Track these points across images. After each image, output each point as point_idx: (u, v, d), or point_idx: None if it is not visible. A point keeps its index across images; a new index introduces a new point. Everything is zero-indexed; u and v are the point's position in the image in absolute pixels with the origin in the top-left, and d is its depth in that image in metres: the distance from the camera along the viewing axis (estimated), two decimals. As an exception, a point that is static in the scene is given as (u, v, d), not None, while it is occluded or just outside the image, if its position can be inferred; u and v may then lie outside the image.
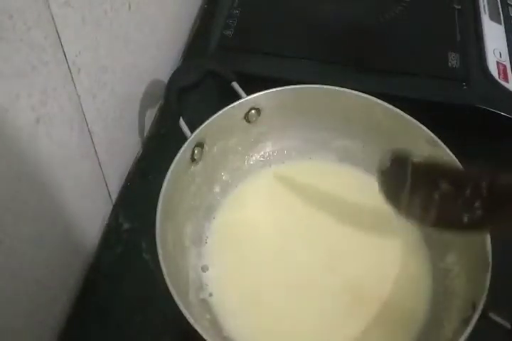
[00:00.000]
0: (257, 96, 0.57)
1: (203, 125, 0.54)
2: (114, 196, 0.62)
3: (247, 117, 0.58)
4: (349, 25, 0.71)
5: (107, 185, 0.59)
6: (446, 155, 0.53)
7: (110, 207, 0.62)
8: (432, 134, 0.54)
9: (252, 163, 0.62)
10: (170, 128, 0.58)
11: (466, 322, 0.44)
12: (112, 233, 0.60)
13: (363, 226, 0.59)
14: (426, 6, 0.74)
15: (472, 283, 0.48)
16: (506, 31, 0.71)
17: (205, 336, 0.42)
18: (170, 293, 0.44)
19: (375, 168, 0.60)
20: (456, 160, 0.52)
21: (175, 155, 0.51)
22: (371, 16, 0.72)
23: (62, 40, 0.43)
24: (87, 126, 0.51)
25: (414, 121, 0.55)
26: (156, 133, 0.68)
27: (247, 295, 0.55)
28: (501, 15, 0.73)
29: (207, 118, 0.54)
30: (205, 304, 0.53)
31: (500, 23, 0.72)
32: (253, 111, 0.58)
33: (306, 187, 0.62)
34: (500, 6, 0.74)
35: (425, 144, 0.54)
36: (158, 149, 0.66)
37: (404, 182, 0.45)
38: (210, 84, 0.62)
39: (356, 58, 0.68)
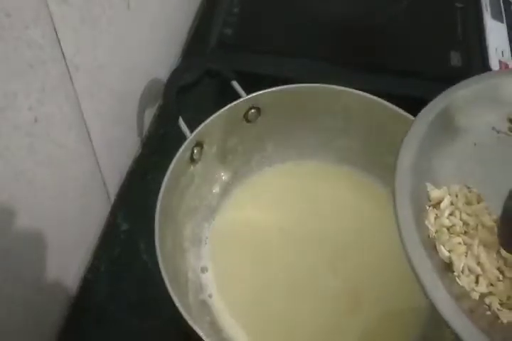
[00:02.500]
0: (257, 96, 0.56)
1: (203, 124, 0.53)
2: (113, 196, 0.62)
3: (247, 117, 0.58)
4: (350, 24, 0.71)
5: (105, 185, 0.59)
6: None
7: (109, 208, 0.61)
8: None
9: (252, 163, 0.62)
10: (169, 127, 0.58)
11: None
12: (110, 233, 0.60)
13: (363, 226, 0.59)
14: (428, 5, 0.73)
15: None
16: (508, 29, 0.71)
17: (204, 337, 0.42)
18: (169, 294, 0.44)
19: (375, 168, 0.60)
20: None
21: (174, 155, 0.51)
22: (372, 15, 0.72)
23: (60, 39, 0.42)
24: (86, 125, 0.51)
25: (416, 120, 0.54)
26: (155, 133, 0.68)
27: (246, 297, 0.54)
28: (503, 13, 0.73)
29: (206, 117, 0.54)
30: (205, 305, 0.53)
31: (503, 22, 0.72)
32: (253, 111, 0.57)
33: (306, 187, 0.61)
34: (502, 4, 0.74)
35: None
36: (158, 149, 0.66)
37: None
38: (210, 83, 0.61)
39: (357, 57, 0.68)
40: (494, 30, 0.70)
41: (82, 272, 0.57)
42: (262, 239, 0.58)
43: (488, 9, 0.73)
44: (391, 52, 0.69)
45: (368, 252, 0.57)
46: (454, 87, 0.43)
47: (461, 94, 0.42)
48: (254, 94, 0.56)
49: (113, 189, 0.62)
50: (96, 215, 0.59)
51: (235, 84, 0.57)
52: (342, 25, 0.71)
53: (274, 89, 0.56)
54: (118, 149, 0.61)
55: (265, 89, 0.56)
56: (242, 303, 0.54)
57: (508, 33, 0.71)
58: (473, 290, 0.35)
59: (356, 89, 0.56)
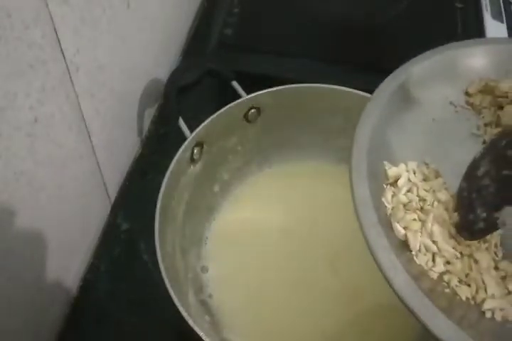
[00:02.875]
0: (257, 96, 0.56)
1: (203, 125, 0.53)
2: (113, 196, 0.62)
3: (247, 117, 0.58)
4: (350, 25, 0.71)
5: (105, 185, 0.59)
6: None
7: (109, 207, 0.61)
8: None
9: (252, 162, 0.62)
10: (169, 127, 0.58)
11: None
12: (110, 233, 0.60)
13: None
14: (428, 5, 0.73)
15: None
16: (508, 30, 0.71)
17: (204, 337, 0.42)
18: (169, 294, 0.44)
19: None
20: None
21: (174, 155, 0.51)
22: (372, 15, 0.72)
23: (60, 39, 0.42)
24: (86, 125, 0.51)
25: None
26: (155, 133, 0.68)
27: (246, 296, 0.54)
28: (503, 13, 0.73)
29: (206, 117, 0.54)
30: (205, 305, 0.53)
31: (503, 22, 0.72)
32: (253, 111, 0.57)
33: (306, 187, 0.61)
34: (502, 4, 0.74)
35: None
36: (158, 149, 0.66)
37: None
38: (210, 83, 0.61)
39: (357, 57, 0.68)
40: (494, 30, 0.70)
41: (82, 272, 0.57)
42: (262, 238, 0.58)
43: (488, 9, 0.73)
44: (391, 52, 0.69)
45: (368, 252, 0.57)
46: (409, 62, 0.42)
47: (417, 69, 0.41)
48: (254, 94, 0.56)
49: (113, 189, 0.62)
50: (96, 215, 0.59)
51: (235, 84, 0.57)
52: (342, 25, 0.71)
53: (274, 89, 0.56)
54: (118, 149, 0.61)
55: (265, 89, 0.56)
56: (241, 303, 0.54)
57: (508, 33, 0.71)
58: (431, 269, 0.35)
59: (356, 89, 0.56)
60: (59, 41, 0.42)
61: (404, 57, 0.67)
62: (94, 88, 0.51)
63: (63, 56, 0.44)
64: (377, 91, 0.40)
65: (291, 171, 0.63)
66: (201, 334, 0.42)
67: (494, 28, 0.71)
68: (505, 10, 0.74)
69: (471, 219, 0.35)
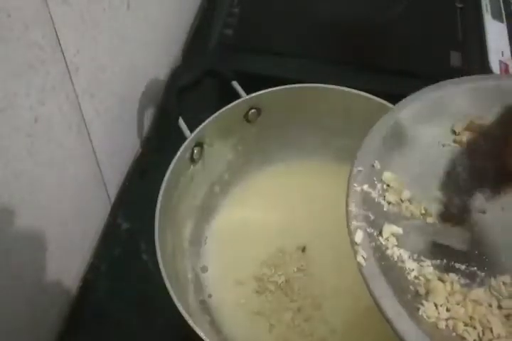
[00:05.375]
0: (257, 96, 0.56)
1: (203, 125, 0.53)
2: (113, 196, 0.62)
3: (247, 116, 0.58)
4: (350, 24, 0.71)
5: (105, 184, 0.59)
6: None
7: (109, 207, 0.61)
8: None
9: (252, 162, 0.62)
10: (169, 127, 0.58)
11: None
12: (110, 233, 0.60)
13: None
14: (428, 5, 0.73)
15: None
16: (508, 30, 0.71)
17: (204, 337, 0.42)
18: (169, 294, 0.44)
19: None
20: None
21: (174, 155, 0.51)
22: (372, 15, 0.72)
23: (60, 39, 0.42)
24: (86, 125, 0.51)
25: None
26: (155, 133, 0.68)
27: (246, 297, 0.54)
28: (503, 13, 0.73)
29: (206, 117, 0.54)
30: (205, 305, 0.53)
31: (503, 22, 0.72)
32: (253, 111, 0.57)
33: (306, 186, 0.61)
34: (502, 4, 0.74)
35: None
36: (158, 149, 0.66)
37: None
38: (210, 83, 0.61)
39: (357, 57, 0.68)
40: (494, 31, 0.70)
41: (83, 272, 0.58)
42: (262, 238, 0.58)
43: (488, 9, 0.73)
44: (391, 52, 0.69)
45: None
46: (396, 106, 0.43)
47: (404, 112, 0.42)
48: (254, 94, 0.56)
49: (113, 189, 0.62)
50: (96, 215, 0.59)
51: (235, 84, 0.57)
52: (342, 25, 0.71)
53: (274, 89, 0.56)
54: (118, 149, 0.61)
55: (265, 89, 0.56)
56: (241, 303, 0.54)
57: (508, 33, 0.71)
58: (439, 319, 0.35)
59: (356, 89, 0.56)
60: (59, 41, 0.42)
61: (404, 57, 0.68)
62: (94, 88, 0.51)
63: (63, 56, 0.44)
64: (367, 138, 0.41)
65: (291, 171, 0.63)
66: (201, 334, 0.42)
67: (494, 28, 0.71)
68: (505, 10, 0.74)
69: (446, 204, 0.38)
